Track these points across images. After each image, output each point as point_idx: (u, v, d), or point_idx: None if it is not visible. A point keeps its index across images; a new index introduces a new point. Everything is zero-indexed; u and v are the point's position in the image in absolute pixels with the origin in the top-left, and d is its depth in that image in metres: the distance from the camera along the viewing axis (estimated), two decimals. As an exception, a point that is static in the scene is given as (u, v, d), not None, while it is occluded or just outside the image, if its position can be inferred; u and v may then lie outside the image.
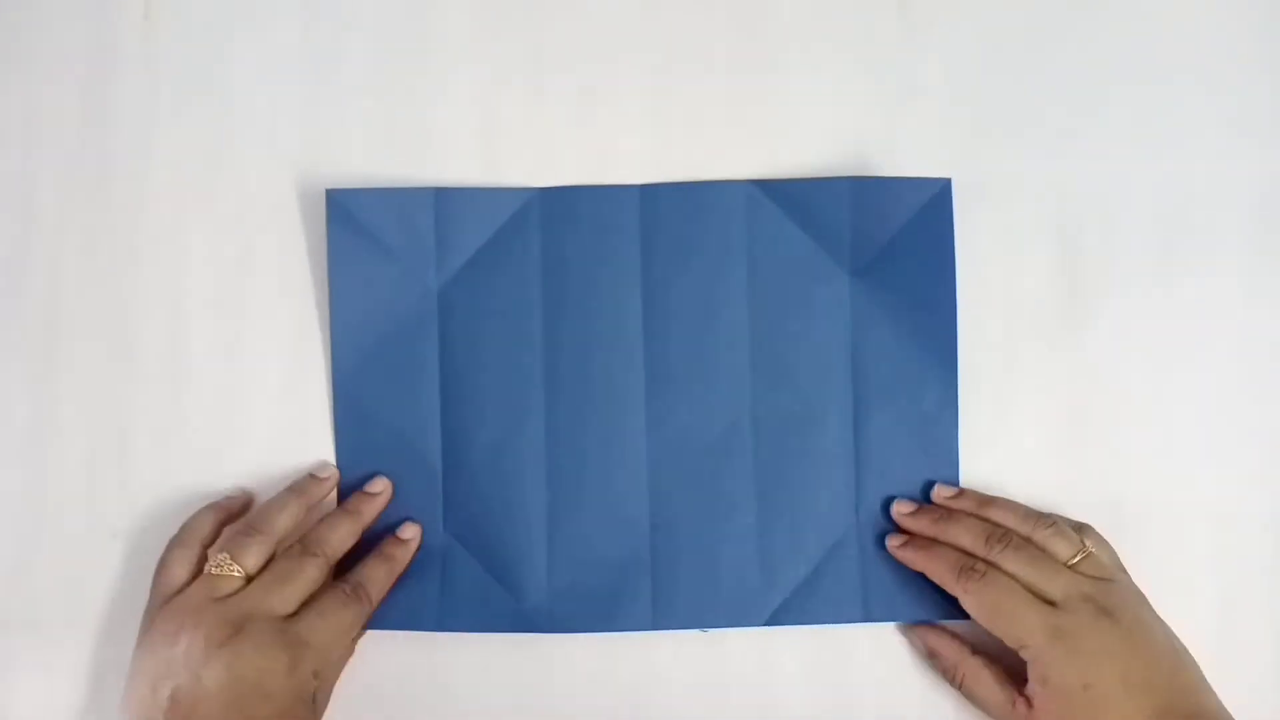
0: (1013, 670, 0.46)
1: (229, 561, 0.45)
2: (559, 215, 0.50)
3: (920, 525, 0.49)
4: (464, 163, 0.51)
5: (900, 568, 0.49)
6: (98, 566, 0.49)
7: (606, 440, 0.49)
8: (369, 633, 0.48)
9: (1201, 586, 0.50)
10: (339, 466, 0.49)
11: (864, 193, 0.49)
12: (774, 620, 0.49)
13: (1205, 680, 0.45)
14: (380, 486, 0.49)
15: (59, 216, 0.51)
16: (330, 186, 0.49)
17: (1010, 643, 0.45)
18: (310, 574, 0.45)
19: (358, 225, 0.49)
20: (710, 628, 0.49)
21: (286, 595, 0.45)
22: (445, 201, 0.49)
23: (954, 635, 0.49)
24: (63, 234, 0.50)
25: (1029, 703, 0.45)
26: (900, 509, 0.49)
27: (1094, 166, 0.52)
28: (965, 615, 0.47)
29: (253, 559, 0.45)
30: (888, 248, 0.49)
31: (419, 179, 0.50)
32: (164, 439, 0.50)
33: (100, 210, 0.51)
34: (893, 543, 0.49)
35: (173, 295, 0.50)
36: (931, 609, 0.49)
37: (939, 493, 0.49)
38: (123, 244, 0.51)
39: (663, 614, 0.49)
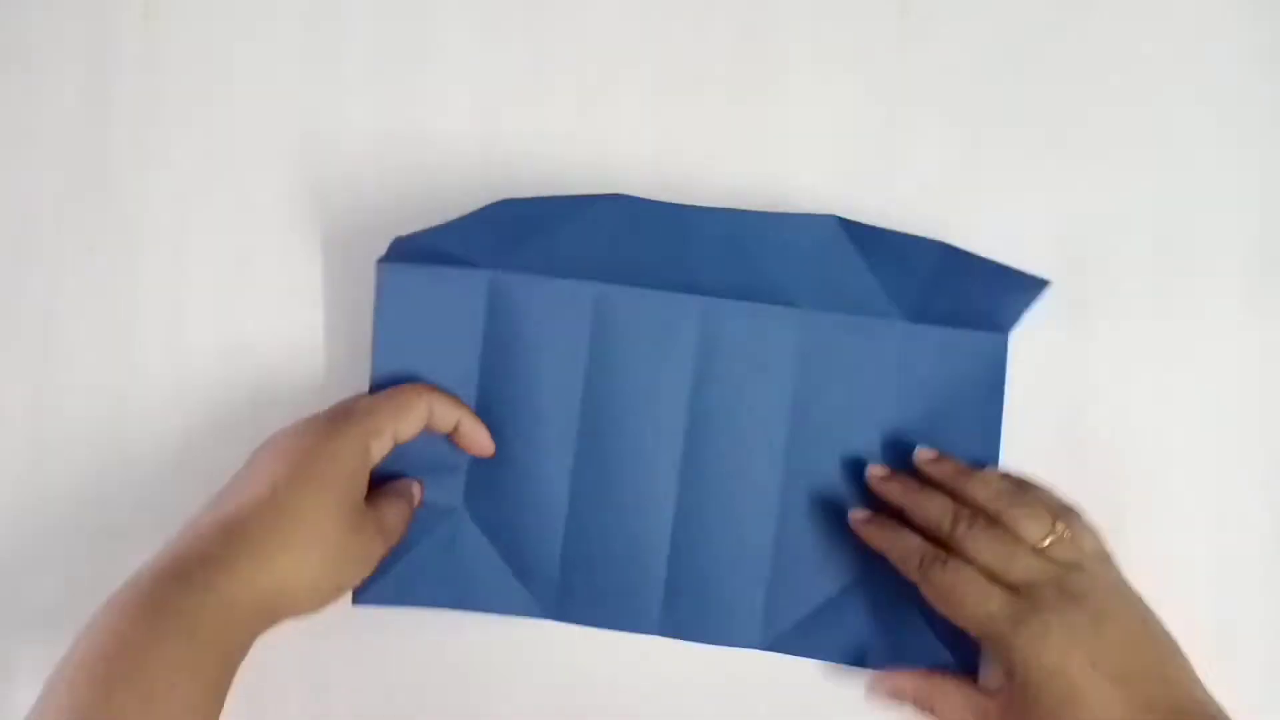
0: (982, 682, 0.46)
1: None
2: (613, 314, 0.48)
3: (891, 491, 0.46)
4: (464, 164, 0.51)
5: (907, 617, 0.47)
6: (98, 566, 0.49)
7: (636, 486, 0.49)
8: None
9: (1202, 595, 0.50)
10: None
11: (913, 340, 0.48)
12: (774, 646, 0.48)
13: (1195, 673, 0.42)
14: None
15: (59, 216, 0.51)
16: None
17: (975, 634, 0.43)
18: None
19: (406, 300, 0.48)
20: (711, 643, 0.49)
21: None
22: (499, 288, 0.48)
23: (909, 670, 0.47)
24: (63, 234, 0.51)
25: (1000, 703, 0.43)
26: (875, 472, 0.47)
27: (1094, 176, 0.51)
28: (974, 667, 0.46)
29: None
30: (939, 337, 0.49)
31: (419, 180, 0.50)
32: (164, 439, 0.50)
33: (100, 210, 0.51)
34: (857, 516, 0.47)
35: (173, 295, 0.50)
36: (934, 658, 0.47)
37: (920, 455, 0.47)
38: (123, 244, 0.51)
39: (669, 620, 0.49)
